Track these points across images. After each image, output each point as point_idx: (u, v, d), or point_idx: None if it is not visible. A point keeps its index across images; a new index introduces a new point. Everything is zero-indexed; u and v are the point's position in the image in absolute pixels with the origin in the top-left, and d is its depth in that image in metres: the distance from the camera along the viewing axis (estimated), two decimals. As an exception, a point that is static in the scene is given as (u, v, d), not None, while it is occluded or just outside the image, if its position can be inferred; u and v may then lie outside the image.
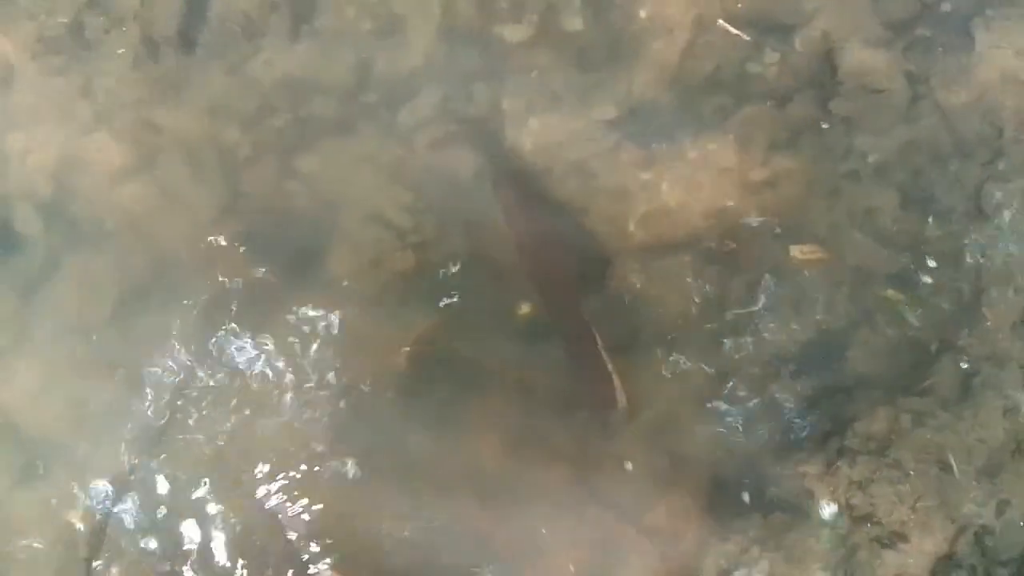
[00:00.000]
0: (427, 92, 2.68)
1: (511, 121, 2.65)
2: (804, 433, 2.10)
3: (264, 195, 2.56)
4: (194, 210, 2.55)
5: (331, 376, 2.30)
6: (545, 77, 2.73)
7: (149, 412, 2.28)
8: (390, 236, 2.47)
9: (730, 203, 2.48)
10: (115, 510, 2.19)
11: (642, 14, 2.81)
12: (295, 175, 2.59)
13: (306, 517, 2.14)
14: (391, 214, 2.51)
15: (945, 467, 1.96)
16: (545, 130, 2.63)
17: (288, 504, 2.15)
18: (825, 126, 2.55)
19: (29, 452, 2.27)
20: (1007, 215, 2.28)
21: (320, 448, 2.20)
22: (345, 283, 2.44)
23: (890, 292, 2.26)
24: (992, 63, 2.52)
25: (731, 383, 2.22)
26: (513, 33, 2.80)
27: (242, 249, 2.47)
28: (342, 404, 2.24)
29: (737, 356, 2.25)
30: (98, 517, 2.19)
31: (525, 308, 2.43)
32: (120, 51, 2.74)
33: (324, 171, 2.59)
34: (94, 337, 2.40)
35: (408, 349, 2.32)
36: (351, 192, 2.56)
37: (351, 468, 2.18)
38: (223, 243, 2.50)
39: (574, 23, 2.80)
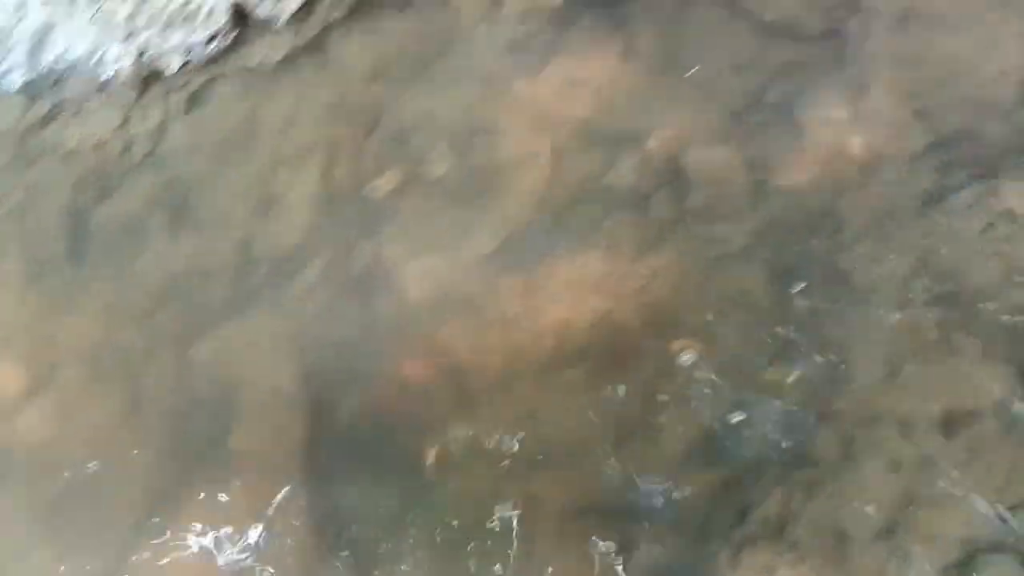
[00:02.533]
0: (311, 261, 2.79)
1: (394, 271, 2.77)
2: (708, 527, 2.18)
3: (164, 390, 2.62)
4: (97, 421, 2.59)
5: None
6: (420, 222, 2.87)
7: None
8: (289, 407, 2.54)
9: (611, 311, 2.60)
10: None
11: (503, 148, 2.99)
12: (192, 364, 2.67)
13: None
14: (288, 386, 2.58)
15: (841, 537, 2.04)
16: (427, 273, 2.76)
17: None
18: (685, 222, 2.70)
19: None
20: (859, 278, 2.43)
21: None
22: (250, 460, 2.48)
23: (768, 371, 2.38)
24: (818, 141, 2.73)
25: (635, 485, 2.30)
26: (384, 186, 2.96)
27: (147, 449, 2.51)
28: None
29: (637, 457, 2.34)
30: None
31: (431, 455, 2.49)
32: (9, 277, 2.82)
33: (220, 356, 2.67)
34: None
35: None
36: (248, 372, 2.64)
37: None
38: (128, 448, 2.54)
39: (440, 168, 2.96)
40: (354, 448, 2.46)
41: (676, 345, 2.49)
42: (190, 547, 2.40)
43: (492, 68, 3.08)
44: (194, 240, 2.87)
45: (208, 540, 2.38)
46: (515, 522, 2.28)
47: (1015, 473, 1.99)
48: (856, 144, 2.73)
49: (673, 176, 2.79)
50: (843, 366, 2.30)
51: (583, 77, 3.02)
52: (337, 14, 3.09)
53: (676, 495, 2.25)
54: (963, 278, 2.36)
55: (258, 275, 2.79)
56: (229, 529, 2.40)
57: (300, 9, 2.94)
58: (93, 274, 2.83)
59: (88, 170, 3.10)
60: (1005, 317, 2.25)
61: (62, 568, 2.43)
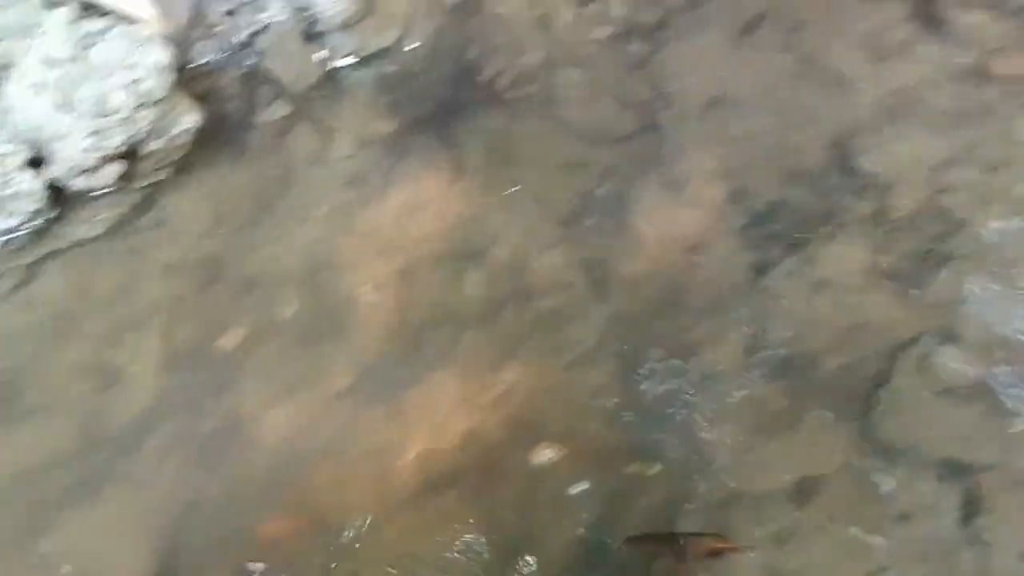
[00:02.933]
0: (160, 429, 2.70)
1: (250, 423, 2.69)
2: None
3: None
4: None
5: None
6: (273, 369, 2.82)
7: None
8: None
9: (474, 429, 2.59)
10: None
11: (350, 281, 3.00)
12: (41, 563, 2.50)
13: None
14: (147, 568, 2.45)
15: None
16: (285, 421, 2.70)
17: None
18: (535, 330, 2.75)
19: None
20: (703, 359, 2.51)
21: None
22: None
23: (634, 465, 2.41)
24: (649, 232, 2.85)
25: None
26: (232, 339, 2.90)
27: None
28: None
29: (509, 571, 2.30)
30: None
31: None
32: None
33: (72, 547, 2.52)
34: None
35: None
36: (104, 560, 2.49)
37: None
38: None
39: (287, 311, 2.94)
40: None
41: (541, 453, 2.49)
42: None
43: (332, 204, 3.11)
44: (31, 429, 2.73)
45: None
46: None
47: (869, 535, 2.04)
48: (683, 230, 2.87)
49: (518, 287, 2.85)
50: (699, 450, 2.34)
51: (421, 200, 3.08)
52: (163, 174, 3.08)
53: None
54: (797, 346, 2.47)
55: (104, 453, 2.67)
56: None
57: (122, 175, 2.91)
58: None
59: None
60: (839, 379, 2.35)
61: None
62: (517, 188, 3.12)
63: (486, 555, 2.41)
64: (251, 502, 2.55)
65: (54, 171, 2.82)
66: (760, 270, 2.69)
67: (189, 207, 3.13)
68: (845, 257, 2.67)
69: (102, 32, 2.87)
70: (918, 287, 2.59)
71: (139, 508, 2.55)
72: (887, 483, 2.22)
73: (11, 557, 2.48)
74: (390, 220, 3.14)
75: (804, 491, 2.23)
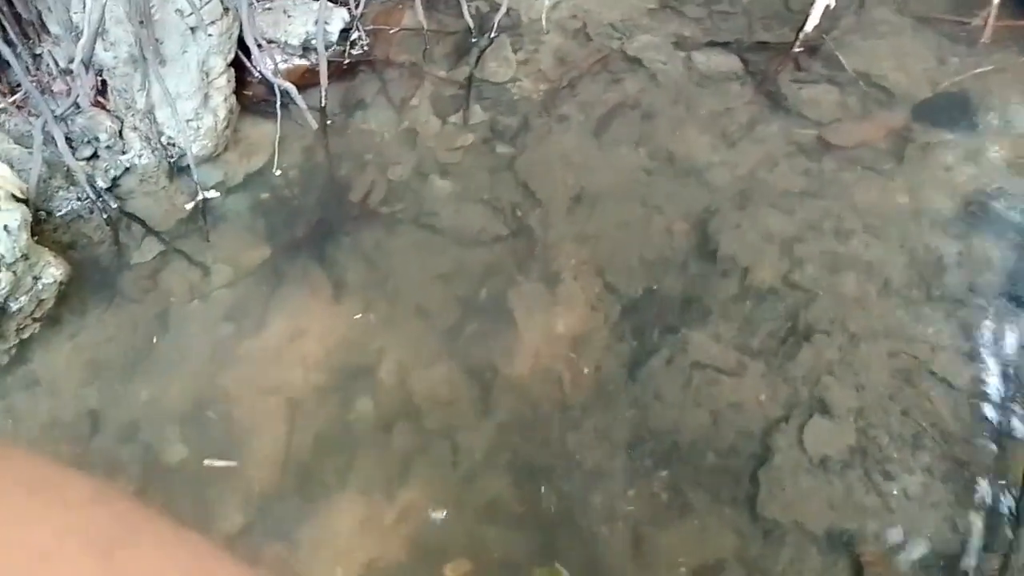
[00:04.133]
0: None
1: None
2: None
3: None
4: None
5: None
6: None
7: None
8: None
9: (378, 557, 2.56)
10: None
11: (238, 417, 2.95)
12: None
13: None
14: None
15: None
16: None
17: None
18: (429, 446, 2.75)
19: None
20: (591, 456, 2.56)
21: None
22: None
23: (539, 572, 2.41)
24: (528, 334, 2.92)
25: None
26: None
27: None
28: None
29: None
30: None
31: None
32: None
33: None
34: None
35: None
36: None
37: None
38: None
39: (174, 456, 2.86)
40: None
41: (448, 569, 2.48)
42: None
43: (211, 339, 3.08)
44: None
45: None
46: None
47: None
48: (561, 328, 2.94)
49: (406, 405, 2.86)
50: (598, 549, 2.37)
51: (301, 327, 3.08)
52: (32, 329, 3.00)
53: None
54: (679, 434, 2.55)
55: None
56: None
57: (-18, 340, 2.82)
58: None
59: None
60: (722, 462, 2.43)
61: None
62: (398, 303, 3.16)
63: None
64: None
65: (-91, 346, 2.72)
66: (637, 361, 2.79)
67: (62, 362, 3.05)
68: (715, 340, 2.80)
69: (-51, 199, 2.82)
70: (785, 361, 2.72)
71: None
72: (778, 564, 2.29)
73: None
74: (272, 350, 3.13)
75: (699, 581, 2.27)
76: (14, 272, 2.85)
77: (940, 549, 2.40)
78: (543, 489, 2.57)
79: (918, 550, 2.38)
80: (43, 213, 3.25)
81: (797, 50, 3.75)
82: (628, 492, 2.49)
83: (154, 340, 3.17)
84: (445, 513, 2.62)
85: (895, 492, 2.45)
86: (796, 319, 2.86)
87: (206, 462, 2.80)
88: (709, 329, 2.83)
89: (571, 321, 2.98)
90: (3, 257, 2.79)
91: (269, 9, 3.83)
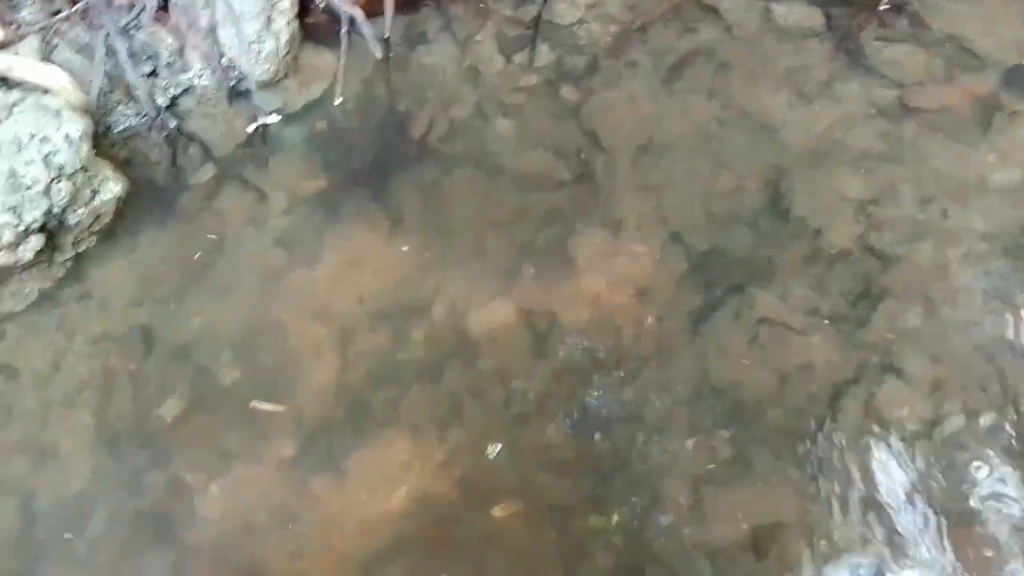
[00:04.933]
0: (100, 505, 2.58)
1: (193, 497, 2.59)
2: None
3: None
4: None
5: None
6: (215, 439, 2.73)
7: None
8: None
9: (426, 491, 2.53)
10: None
11: (290, 344, 2.92)
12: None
13: None
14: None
15: None
16: (230, 491, 2.60)
17: None
18: (480, 386, 2.70)
19: None
20: (650, 409, 2.50)
21: None
22: None
23: (592, 519, 2.37)
24: (591, 276, 2.84)
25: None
26: (171, 409, 2.80)
27: None
28: None
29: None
30: None
31: None
32: None
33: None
34: None
35: None
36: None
37: None
38: None
39: (227, 378, 2.85)
40: None
41: (497, 510, 2.45)
42: None
43: (265, 266, 3.04)
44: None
45: None
46: None
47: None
48: (623, 277, 2.87)
49: (461, 343, 2.81)
50: (654, 502, 2.32)
51: (357, 259, 3.03)
52: (87, 244, 2.97)
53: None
54: (743, 391, 2.47)
55: (45, 533, 2.54)
56: None
57: (43, 248, 2.80)
58: None
59: None
60: (785, 422, 2.35)
61: None
62: (455, 242, 3.09)
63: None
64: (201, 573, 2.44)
65: (-30, 249, 2.70)
66: (701, 315, 2.71)
67: (116, 277, 3.03)
68: (784, 299, 2.71)
69: (13, 105, 2.78)
70: (857, 326, 2.63)
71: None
72: (841, 529, 2.23)
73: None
74: (326, 280, 3.09)
75: (761, 540, 2.21)
76: (74, 183, 2.81)
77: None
78: (598, 437, 2.52)
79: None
80: (102, 128, 3.20)
81: (883, 7, 3.57)
82: (688, 446, 2.43)
83: (208, 263, 3.13)
84: (496, 455, 2.57)
85: (970, 469, 2.37)
86: (870, 284, 2.76)
87: (253, 404, 2.77)
88: (778, 288, 2.74)
89: (634, 271, 2.90)
90: (64, 167, 2.75)
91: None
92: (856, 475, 2.37)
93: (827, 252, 2.79)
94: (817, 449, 2.39)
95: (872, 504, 2.32)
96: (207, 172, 3.29)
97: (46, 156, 2.69)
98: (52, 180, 2.68)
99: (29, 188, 2.65)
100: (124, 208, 3.11)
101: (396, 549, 2.46)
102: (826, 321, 2.62)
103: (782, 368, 2.54)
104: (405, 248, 3.12)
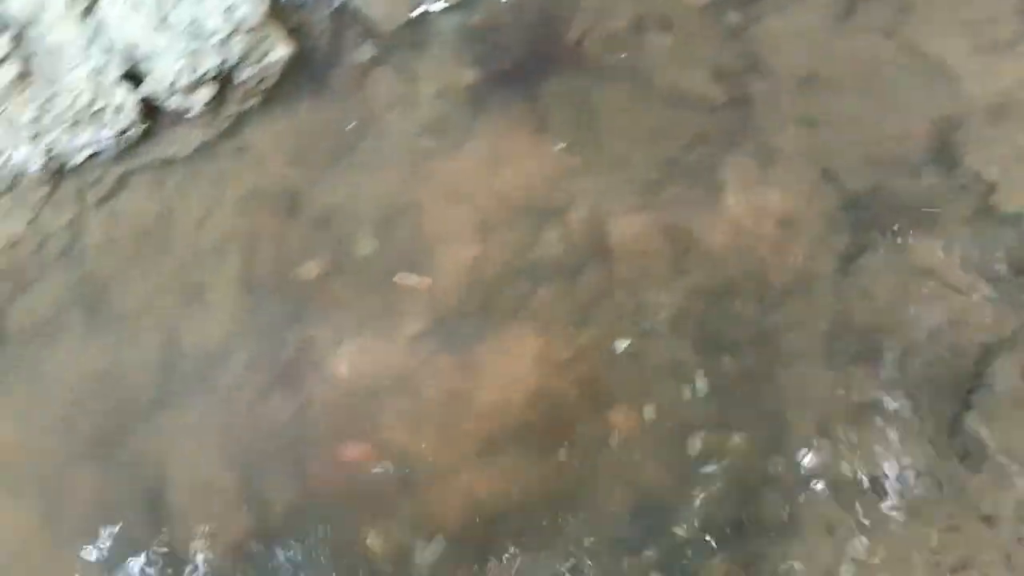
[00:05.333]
0: (238, 350, 2.72)
1: (325, 354, 2.71)
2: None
3: (85, 496, 2.49)
4: (10, 535, 2.45)
5: None
6: (349, 305, 2.83)
7: None
8: (224, 504, 2.45)
9: (546, 386, 2.58)
10: None
11: (428, 227, 2.98)
12: (117, 467, 2.55)
13: None
14: (222, 482, 2.48)
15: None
16: (359, 356, 2.71)
17: None
18: (613, 293, 2.72)
19: None
20: (785, 341, 2.47)
21: None
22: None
23: (709, 436, 2.39)
24: (738, 202, 2.80)
25: (572, 559, 2.26)
26: (309, 271, 2.91)
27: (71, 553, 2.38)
28: None
29: (570, 533, 2.30)
30: None
31: (374, 539, 2.41)
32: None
33: (147, 456, 2.56)
34: None
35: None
36: (179, 471, 2.53)
37: None
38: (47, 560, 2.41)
39: (364, 250, 2.93)
40: (293, 539, 2.36)
41: (614, 416, 2.47)
42: None
43: (410, 149, 3.09)
44: (114, 338, 2.77)
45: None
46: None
47: (949, 534, 2.01)
48: (771, 207, 2.81)
49: (597, 248, 2.82)
50: (778, 432, 2.31)
51: (501, 154, 3.05)
52: (251, 102, 3.07)
53: (610, 569, 2.21)
54: (886, 337, 2.42)
55: (182, 370, 2.70)
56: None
57: (212, 99, 2.90)
58: (4, 380, 2.69)
59: (2, 270, 2.98)
60: (929, 374, 2.30)
61: None
62: (600, 150, 3.07)
63: (544, 513, 2.40)
64: (323, 430, 2.57)
65: (148, 88, 2.83)
66: (850, 255, 2.64)
67: (272, 139, 3.13)
68: (942, 252, 2.61)
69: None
70: (1021, 291, 2.52)
71: (219, 422, 2.59)
72: (971, 484, 2.18)
73: (96, 456, 2.53)
74: (469, 171, 3.11)
75: (881, 483, 2.18)
76: (249, 40, 2.89)
77: None
78: (727, 360, 2.50)
79: None
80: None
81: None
82: (820, 383, 2.40)
83: (357, 138, 3.19)
84: (622, 361, 2.58)
85: None
86: (1041, 250, 2.63)
87: (398, 277, 2.84)
88: (937, 240, 2.64)
89: (782, 203, 2.83)
90: (243, 22, 2.82)
91: None
92: (1000, 438, 2.29)
93: (998, 210, 2.66)
94: (959, 405, 2.33)
95: (1012, 467, 2.25)
96: (366, 52, 3.33)
97: (228, 9, 2.76)
98: (231, 33, 2.75)
99: (209, 38, 2.73)
100: (286, 74, 3.18)
101: (511, 438, 2.52)
102: (987, 282, 2.51)
103: (931, 321, 2.46)
104: (551, 151, 3.11)
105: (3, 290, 2.97)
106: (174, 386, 2.69)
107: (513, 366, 2.61)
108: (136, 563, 2.43)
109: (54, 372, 2.77)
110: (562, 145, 3.09)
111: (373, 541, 2.39)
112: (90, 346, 2.76)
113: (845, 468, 2.23)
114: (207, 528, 2.46)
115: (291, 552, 2.37)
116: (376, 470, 2.48)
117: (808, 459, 2.23)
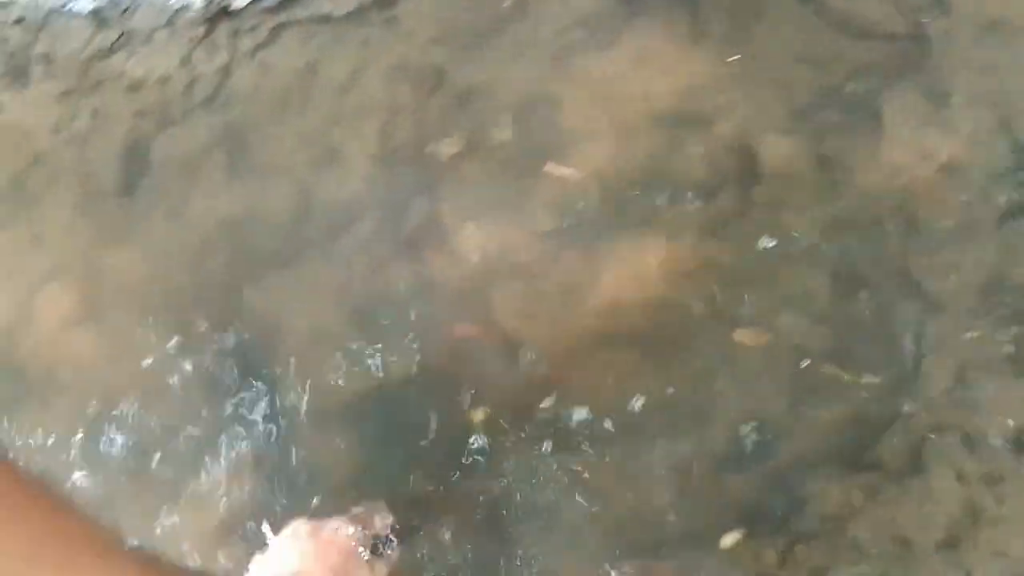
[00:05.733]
0: (366, 215, 2.75)
1: (450, 231, 2.71)
2: (761, 519, 2.12)
3: (210, 331, 2.58)
4: (141, 356, 2.56)
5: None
6: (480, 187, 2.82)
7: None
8: (334, 359, 2.50)
9: (669, 295, 2.54)
10: None
11: (567, 122, 2.92)
12: (239, 309, 2.63)
13: None
14: (335, 337, 2.54)
15: (903, 543, 1.98)
16: (484, 238, 2.70)
17: None
18: (751, 214, 2.63)
19: None
20: (931, 288, 2.36)
21: None
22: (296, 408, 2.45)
23: (833, 370, 2.32)
24: (899, 140, 2.65)
25: (680, 471, 2.24)
26: (445, 149, 2.90)
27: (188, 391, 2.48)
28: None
29: (685, 445, 2.28)
30: None
31: (479, 415, 2.44)
32: (62, 204, 2.79)
33: (268, 303, 2.63)
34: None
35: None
36: (296, 321, 2.60)
37: None
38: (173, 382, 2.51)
39: (501, 135, 2.90)
40: (400, 404, 2.40)
41: (737, 334, 2.41)
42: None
43: (559, 42, 3.01)
44: (250, 186, 2.83)
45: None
46: (559, 495, 2.22)
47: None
48: (936, 151, 2.65)
49: (741, 165, 2.71)
50: (912, 374, 2.21)
51: (651, 56, 2.94)
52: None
53: (727, 488, 2.18)
54: (1041, 298, 2.27)
55: (311, 226, 2.74)
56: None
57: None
58: (146, 210, 2.79)
59: (150, 104, 3.06)
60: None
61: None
62: (758, 67, 2.93)
63: (647, 419, 2.38)
64: (439, 304, 2.58)
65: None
66: (1014, 213, 2.47)
67: (424, 12, 3.09)
68: None
69: None
70: None
71: (338, 282, 2.62)
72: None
73: (212, 298, 2.60)
74: (617, 71, 3.02)
75: (1022, 441, 2.08)
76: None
77: None
78: (863, 296, 2.39)
79: None
80: None
81: None
82: (965, 332, 2.28)
83: (505, 23, 3.12)
84: (750, 282, 2.50)
85: None
86: None
87: (548, 167, 2.79)
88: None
89: (947, 148, 2.66)
90: None
91: None
92: None
93: None
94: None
95: None
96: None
97: None
98: None
99: None
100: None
101: (625, 341, 2.49)
102: None
103: (1095, 289, 2.29)
104: (703, 60, 2.98)
105: (150, 124, 3.04)
106: (300, 242, 2.74)
107: (638, 271, 2.57)
108: (240, 404, 2.48)
109: (189, 211, 2.84)
110: (718, 57, 2.95)
111: (475, 416, 2.40)
112: (226, 191, 2.82)
113: (981, 420, 2.12)
114: (315, 382, 2.52)
115: (393, 415, 2.41)
116: (486, 351, 2.48)
117: (941, 406, 2.13)
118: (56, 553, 0.74)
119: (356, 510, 1.96)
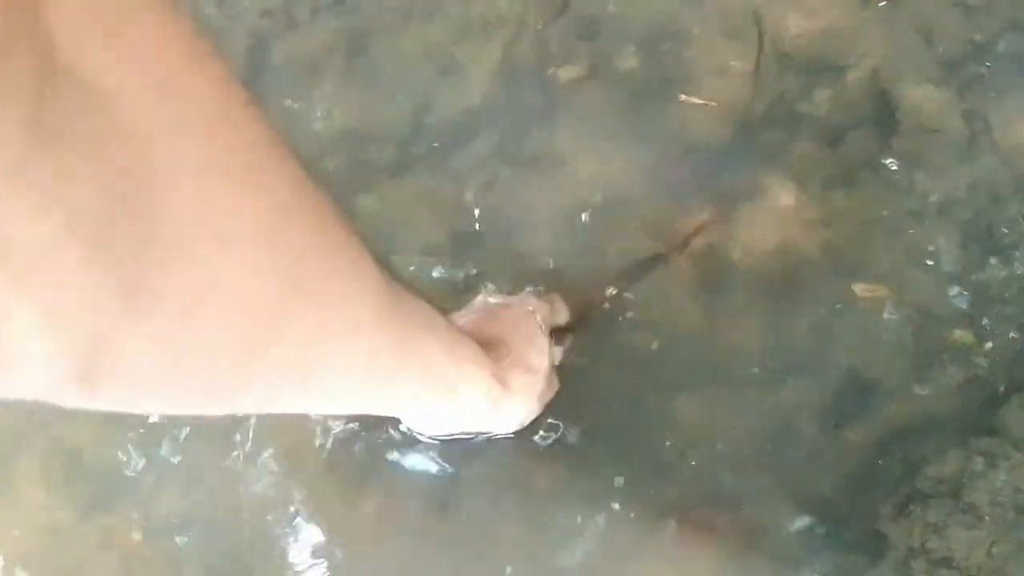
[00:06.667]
0: (483, 133, 2.72)
1: (566, 157, 2.67)
2: (874, 476, 2.06)
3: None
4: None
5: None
6: (601, 115, 2.76)
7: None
8: (446, 266, 2.50)
9: (790, 240, 2.46)
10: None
11: (694, 57, 2.83)
12: (352, 214, 2.64)
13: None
14: (442, 250, 2.53)
15: (1021, 511, 1.90)
16: (601, 167, 2.65)
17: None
18: (883, 164, 2.52)
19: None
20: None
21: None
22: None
23: (956, 333, 2.22)
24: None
25: (796, 423, 2.18)
26: (567, 74, 2.84)
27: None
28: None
29: (803, 395, 2.22)
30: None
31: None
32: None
33: (379, 212, 2.63)
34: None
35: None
36: (406, 232, 2.60)
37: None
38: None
39: (626, 65, 2.82)
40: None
41: (858, 287, 2.33)
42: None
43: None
44: (369, 94, 2.82)
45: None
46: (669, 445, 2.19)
47: None
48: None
49: (876, 113, 2.60)
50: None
51: (793, -4, 2.81)
52: None
53: (839, 440, 2.12)
54: None
55: (427, 138, 2.72)
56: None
57: None
58: (265, 107, 2.79)
59: (275, 4, 3.05)
60: None
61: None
62: (904, 13, 2.78)
63: (753, 362, 2.32)
64: (550, 228, 2.55)
65: None
66: None
67: None
68: None
69: None
70: None
71: (448, 198, 2.60)
72: None
73: (338, 203, 2.60)
74: (753, 8, 2.89)
75: None
76: None
77: None
78: (994, 262, 2.33)
79: None
80: None
81: None
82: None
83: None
84: (875, 235, 2.40)
85: None
86: None
87: (683, 97, 2.70)
88: None
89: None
90: None
91: None
92: None
93: None
94: None
95: None
96: None
97: None
98: None
99: None
100: None
101: (740, 282, 2.42)
102: None
103: None
104: (882, 2, 2.84)
105: (274, 25, 3.04)
106: (416, 152, 2.72)
107: (758, 214, 2.48)
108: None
109: (308, 113, 2.84)
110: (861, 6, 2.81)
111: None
112: (344, 96, 2.81)
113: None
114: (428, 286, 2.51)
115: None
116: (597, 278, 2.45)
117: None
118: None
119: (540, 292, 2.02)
